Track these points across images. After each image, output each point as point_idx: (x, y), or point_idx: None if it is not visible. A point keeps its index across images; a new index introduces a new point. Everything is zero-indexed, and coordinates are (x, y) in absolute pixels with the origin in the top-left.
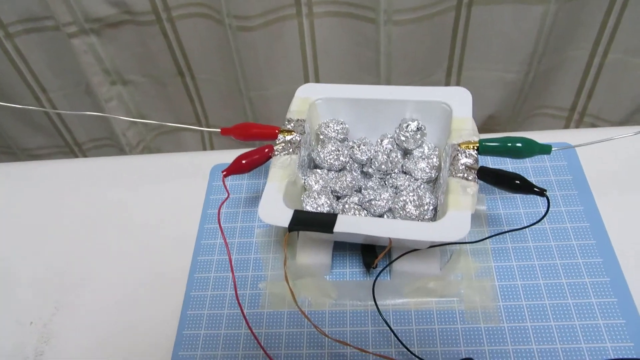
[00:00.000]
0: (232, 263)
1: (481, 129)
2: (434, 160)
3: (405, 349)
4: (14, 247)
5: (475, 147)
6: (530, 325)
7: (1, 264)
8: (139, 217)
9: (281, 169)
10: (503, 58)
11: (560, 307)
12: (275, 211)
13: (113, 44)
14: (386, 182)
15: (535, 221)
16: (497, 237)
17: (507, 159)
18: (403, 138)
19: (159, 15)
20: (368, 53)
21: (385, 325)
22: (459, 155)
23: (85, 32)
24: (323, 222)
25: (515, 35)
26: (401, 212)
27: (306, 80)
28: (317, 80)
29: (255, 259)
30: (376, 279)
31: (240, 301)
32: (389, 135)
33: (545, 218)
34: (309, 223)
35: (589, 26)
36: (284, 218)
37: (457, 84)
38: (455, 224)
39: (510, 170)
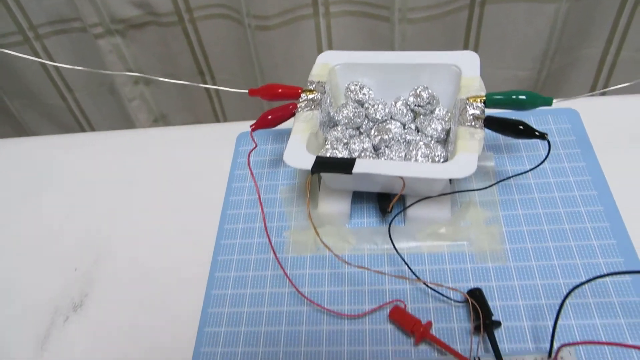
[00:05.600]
0: (261, 200)
1: None
2: (446, 121)
3: (420, 282)
4: (60, 205)
5: (482, 100)
6: (535, 264)
7: (48, 217)
8: (171, 179)
9: (304, 122)
10: (516, 56)
11: (563, 249)
12: (300, 157)
13: (137, 44)
14: (399, 137)
15: (537, 164)
16: (504, 189)
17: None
18: (418, 106)
19: (181, 16)
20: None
21: (400, 265)
22: (468, 107)
23: (111, 33)
24: (343, 165)
25: (528, 33)
26: (413, 162)
27: None
28: None
29: (279, 212)
30: (391, 223)
31: (269, 242)
32: (402, 98)
33: (550, 174)
34: (330, 166)
35: (601, 24)
36: (307, 162)
37: None
38: (463, 163)
39: None
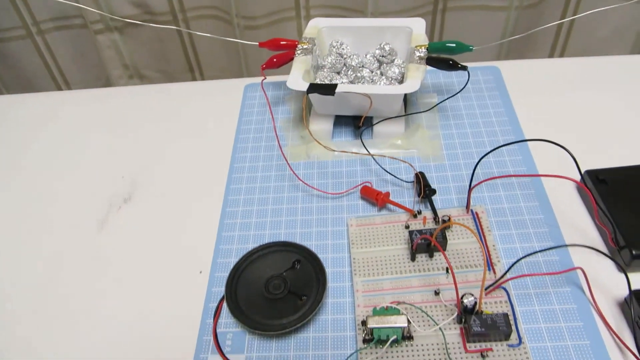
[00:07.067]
0: (272, 113)
1: None
2: (402, 67)
3: (383, 170)
4: (108, 141)
5: (426, 47)
6: (462, 162)
7: (100, 149)
8: (192, 119)
9: (300, 63)
10: (473, 57)
11: (480, 142)
12: (298, 83)
13: (133, 41)
14: (369, 79)
15: (462, 88)
16: (444, 118)
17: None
18: (382, 57)
19: (175, 16)
20: None
21: (368, 164)
22: (415, 52)
23: (110, 30)
24: (328, 87)
25: (483, 37)
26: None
27: None
28: None
29: (280, 135)
30: (362, 134)
31: (278, 145)
32: (371, 51)
33: (477, 107)
34: (319, 87)
35: (545, 32)
36: (304, 86)
37: None
38: (411, 84)
39: (457, 83)
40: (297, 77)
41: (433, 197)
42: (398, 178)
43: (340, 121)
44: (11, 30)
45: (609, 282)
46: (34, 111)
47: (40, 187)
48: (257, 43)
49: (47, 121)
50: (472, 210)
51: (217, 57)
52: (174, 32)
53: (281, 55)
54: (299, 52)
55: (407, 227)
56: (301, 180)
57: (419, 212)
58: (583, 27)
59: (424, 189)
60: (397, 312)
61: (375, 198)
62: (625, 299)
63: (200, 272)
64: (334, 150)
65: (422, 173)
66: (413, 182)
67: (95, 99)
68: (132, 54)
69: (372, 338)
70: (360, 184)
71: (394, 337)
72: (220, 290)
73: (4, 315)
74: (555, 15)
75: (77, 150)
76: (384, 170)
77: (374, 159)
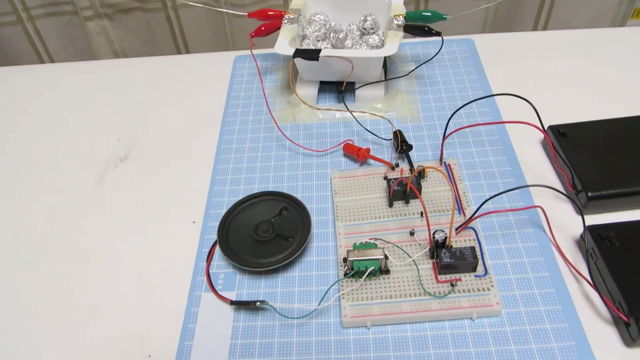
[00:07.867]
0: (261, 75)
1: None
2: (381, 36)
3: (364, 130)
4: (101, 109)
5: (403, 16)
6: (438, 123)
7: (92, 112)
8: (181, 90)
9: (287, 31)
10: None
11: (454, 105)
12: (285, 48)
13: (123, 27)
14: (351, 47)
15: (436, 52)
16: (421, 85)
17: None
18: (364, 29)
19: (164, 3)
20: None
21: (351, 126)
22: (394, 20)
23: (100, 16)
24: (313, 52)
25: (464, 24)
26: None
27: None
28: None
29: (269, 101)
30: (344, 97)
31: (268, 110)
32: (354, 23)
33: (451, 75)
34: (304, 52)
35: (524, 20)
36: (290, 51)
37: None
38: (389, 48)
39: (434, 54)
40: (284, 43)
41: (410, 153)
42: (378, 136)
43: (325, 88)
44: (1, 16)
45: (568, 223)
46: (27, 81)
47: (38, 148)
48: (246, 13)
49: (42, 90)
50: (445, 163)
51: (207, 44)
52: (163, 19)
53: (269, 24)
54: (285, 21)
55: (385, 177)
56: (288, 139)
57: (397, 165)
58: (561, 17)
59: (402, 145)
60: (374, 246)
61: (356, 153)
62: (581, 235)
63: (194, 222)
64: (319, 109)
65: (400, 131)
66: (392, 139)
67: (87, 71)
68: (122, 40)
69: (352, 270)
70: (343, 142)
71: (372, 268)
72: (213, 237)
73: (6, 268)
74: (534, 4)
75: (72, 116)
76: (365, 129)
77: (353, 116)
